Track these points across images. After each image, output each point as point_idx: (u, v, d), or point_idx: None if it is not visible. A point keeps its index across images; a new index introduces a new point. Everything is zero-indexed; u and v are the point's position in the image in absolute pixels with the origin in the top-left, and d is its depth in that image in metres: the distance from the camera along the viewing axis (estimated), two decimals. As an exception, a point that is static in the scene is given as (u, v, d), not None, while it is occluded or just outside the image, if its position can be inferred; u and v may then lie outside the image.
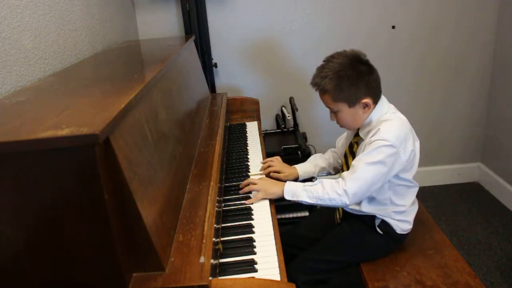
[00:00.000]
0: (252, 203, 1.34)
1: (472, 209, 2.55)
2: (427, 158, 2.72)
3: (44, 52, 1.34)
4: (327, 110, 1.44)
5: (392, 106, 1.41)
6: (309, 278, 1.41)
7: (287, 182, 1.40)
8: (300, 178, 1.61)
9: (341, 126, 1.45)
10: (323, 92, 1.36)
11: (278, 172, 1.57)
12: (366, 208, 1.42)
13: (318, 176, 1.66)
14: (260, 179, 1.44)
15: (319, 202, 1.33)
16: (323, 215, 1.65)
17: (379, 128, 1.31)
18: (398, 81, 2.57)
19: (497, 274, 2.01)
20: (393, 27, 2.48)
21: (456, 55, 2.56)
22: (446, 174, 2.82)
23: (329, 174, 1.67)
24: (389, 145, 1.28)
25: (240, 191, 1.40)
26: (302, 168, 1.61)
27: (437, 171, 2.81)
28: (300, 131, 2.46)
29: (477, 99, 2.66)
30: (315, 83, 1.37)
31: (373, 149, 1.29)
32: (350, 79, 1.31)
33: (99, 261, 0.81)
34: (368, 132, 1.36)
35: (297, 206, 2.24)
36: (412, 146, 1.35)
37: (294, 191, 1.36)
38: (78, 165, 0.74)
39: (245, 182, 1.41)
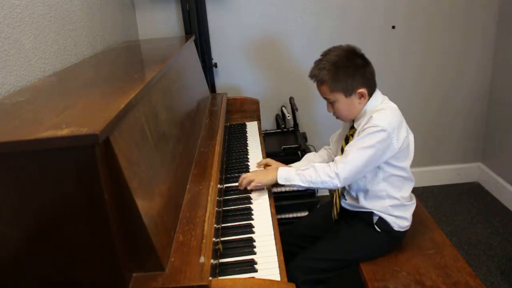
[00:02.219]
0: (252, 189, 1.41)
1: (472, 209, 2.55)
2: (427, 158, 2.72)
3: (44, 52, 1.34)
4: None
5: (385, 97, 1.45)
6: (309, 277, 1.42)
7: (280, 168, 1.44)
8: None
9: (337, 117, 1.48)
10: (320, 83, 1.40)
11: None
12: (364, 203, 1.44)
13: None
14: (252, 171, 1.51)
15: (312, 185, 1.38)
16: (323, 214, 1.66)
17: (371, 116, 1.35)
18: (398, 81, 2.57)
19: (497, 274, 2.01)
20: (393, 27, 2.48)
21: (456, 55, 2.56)
22: (446, 174, 2.82)
23: None
24: (381, 130, 1.31)
25: (240, 187, 1.43)
26: (298, 167, 1.62)
27: (437, 171, 2.81)
28: (300, 131, 2.46)
29: (477, 99, 2.66)
30: (313, 75, 1.42)
31: (365, 135, 1.33)
32: (347, 69, 1.36)
33: (99, 261, 0.81)
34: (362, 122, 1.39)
35: (297, 206, 2.24)
36: (406, 133, 1.39)
37: (287, 176, 1.41)
38: (78, 165, 0.74)
39: (240, 180, 1.44)
